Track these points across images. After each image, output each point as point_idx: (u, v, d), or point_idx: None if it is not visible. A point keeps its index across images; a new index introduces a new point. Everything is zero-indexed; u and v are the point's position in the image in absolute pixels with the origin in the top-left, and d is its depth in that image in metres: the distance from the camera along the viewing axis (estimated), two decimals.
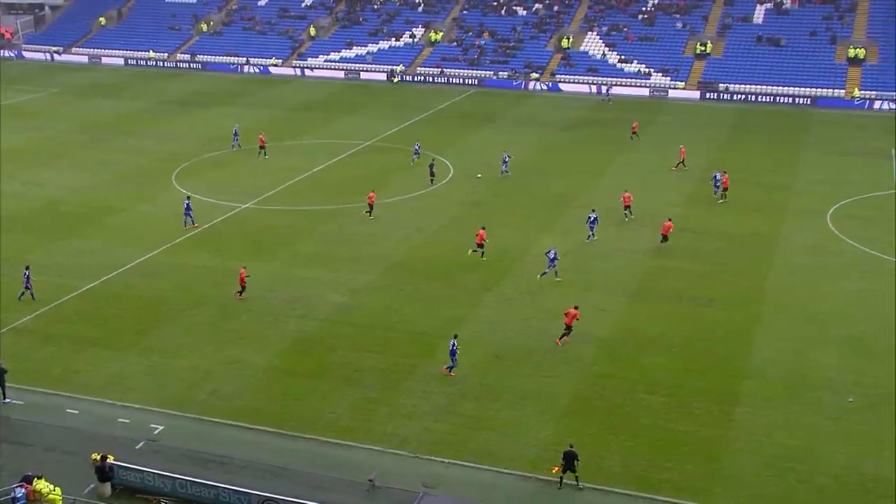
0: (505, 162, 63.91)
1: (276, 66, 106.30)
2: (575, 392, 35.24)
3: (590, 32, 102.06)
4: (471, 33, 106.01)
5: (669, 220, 51.24)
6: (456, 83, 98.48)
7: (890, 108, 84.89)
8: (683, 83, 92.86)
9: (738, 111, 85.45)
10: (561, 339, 39.00)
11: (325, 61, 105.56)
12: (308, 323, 41.13)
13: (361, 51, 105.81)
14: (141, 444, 31.71)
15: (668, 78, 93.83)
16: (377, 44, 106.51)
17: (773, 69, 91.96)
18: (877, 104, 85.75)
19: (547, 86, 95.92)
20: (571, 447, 29.60)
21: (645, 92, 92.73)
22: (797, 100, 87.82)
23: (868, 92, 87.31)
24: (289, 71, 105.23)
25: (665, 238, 50.25)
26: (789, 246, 50.21)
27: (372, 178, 62.58)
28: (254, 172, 64.20)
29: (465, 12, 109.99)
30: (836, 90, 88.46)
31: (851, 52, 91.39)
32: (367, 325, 40.95)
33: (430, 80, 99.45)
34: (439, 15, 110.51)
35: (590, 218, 51.26)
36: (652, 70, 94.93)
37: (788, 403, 34.29)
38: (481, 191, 60.37)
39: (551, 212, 55.96)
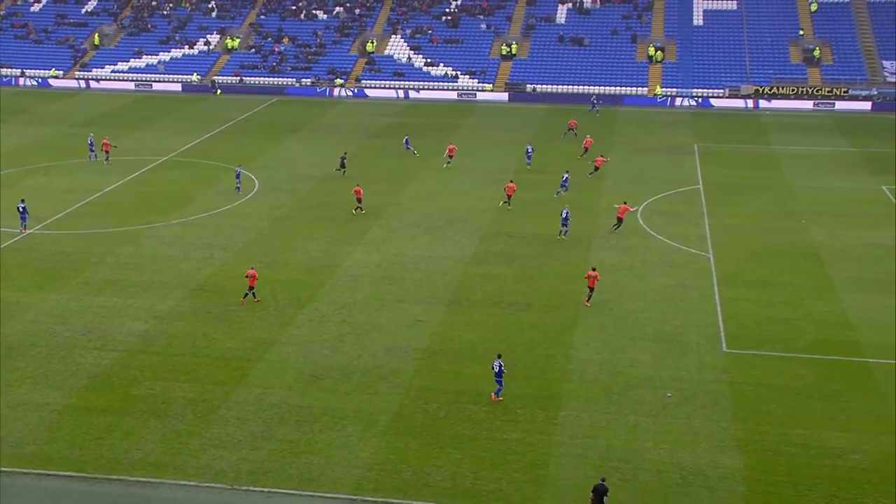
0: (529, 154, 68.12)
1: (56, 77, 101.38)
2: (396, 408, 35.45)
3: (394, 36, 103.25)
4: (270, 39, 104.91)
5: (625, 202, 54.77)
6: (257, 92, 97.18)
7: (690, 105, 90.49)
8: (491, 85, 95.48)
9: (547, 112, 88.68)
10: (588, 300, 44.11)
11: (113, 72, 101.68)
12: (107, 355, 39.42)
13: (152, 60, 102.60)
14: None
15: (476, 80, 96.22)
16: (169, 52, 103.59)
17: (578, 69, 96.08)
18: (678, 101, 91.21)
19: (352, 92, 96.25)
20: (603, 481, 29.37)
21: (453, 95, 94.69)
22: (602, 98, 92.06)
23: (669, 89, 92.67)
24: (71, 83, 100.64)
25: (620, 221, 54.08)
26: (602, 245, 52.49)
27: (171, 195, 60.84)
28: (40, 195, 60.85)
29: (262, 17, 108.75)
30: (639, 88, 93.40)
31: (651, 51, 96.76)
32: (173, 353, 39.69)
33: (233, 89, 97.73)
34: (235, 21, 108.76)
35: (563, 213, 53.44)
36: (459, 73, 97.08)
37: (609, 403, 35.82)
38: (288, 204, 59.82)
39: (362, 222, 56.15)
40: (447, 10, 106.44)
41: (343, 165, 66.06)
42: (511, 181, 59.84)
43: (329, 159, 69.84)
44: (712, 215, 57.02)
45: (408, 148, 72.01)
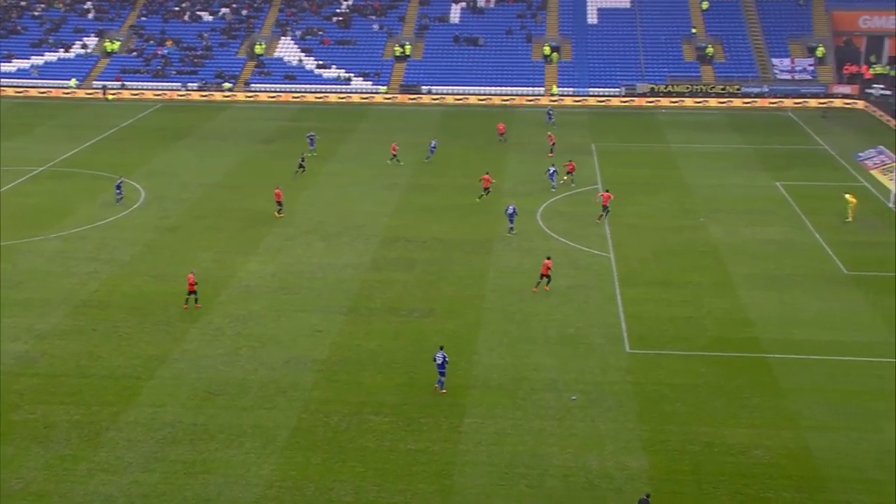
0: (432, 149, 70.73)
1: None
2: (296, 422, 35.13)
3: (283, 37, 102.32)
4: (152, 42, 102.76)
5: (607, 190, 57.11)
6: (141, 97, 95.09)
7: (587, 105, 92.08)
8: (385, 87, 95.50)
9: (444, 114, 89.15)
10: (537, 286, 46.54)
11: None
12: None
13: (24, 64, 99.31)
14: None
15: (370, 82, 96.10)
16: (42, 56, 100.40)
17: (474, 69, 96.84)
18: (574, 101, 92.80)
19: (242, 96, 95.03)
20: (648, 497, 29.44)
21: (348, 98, 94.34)
22: (500, 99, 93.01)
23: (565, 88, 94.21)
24: None
25: (606, 210, 56.46)
26: (503, 248, 53.02)
27: (50, 208, 59.04)
28: None
29: (143, 19, 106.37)
30: (535, 88, 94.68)
31: (546, 50, 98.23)
32: (55, 374, 38.51)
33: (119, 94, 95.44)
34: (114, 22, 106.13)
35: (507, 210, 54.95)
36: (352, 75, 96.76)
37: (514, 409, 36.19)
38: (177, 214, 58.69)
39: (255, 231, 55.48)
40: (338, 10, 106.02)
41: (301, 166, 66.72)
42: (487, 173, 62.09)
43: (220, 166, 68.87)
44: (612, 215, 58.14)
45: (311, 147, 72.43)
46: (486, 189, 61.27)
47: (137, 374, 38.56)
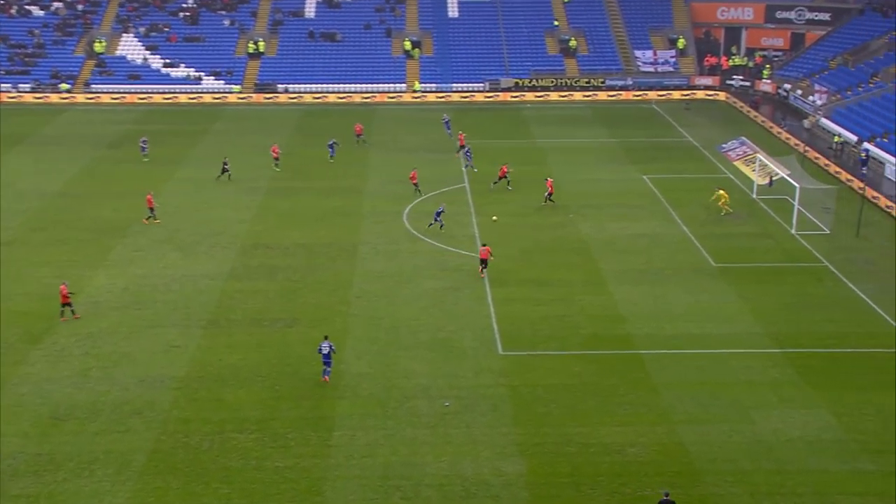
0: (332, 147, 70.52)
1: None
2: (153, 445, 34.28)
3: (125, 34, 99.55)
4: None
5: (549, 179, 60.34)
6: None
7: (451, 101, 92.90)
8: (239, 86, 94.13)
9: (302, 113, 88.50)
10: (482, 271, 49.00)
11: None
12: None
13: None
14: None
15: (222, 81, 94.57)
16: None
17: (332, 66, 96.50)
18: (438, 97, 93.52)
19: (82, 97, 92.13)
20: (667, 496, 29.84)
21: (199, 99, 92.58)
22: (361, 96, 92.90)
23: (428, 84, 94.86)
24: None
25: (550, 196, 59.46)
26: (369, 252, 52.98)
27: None
28: None
29: None
30: (397, 85, 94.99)
31: (407, 45, 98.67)
32: None
33: None
34: None
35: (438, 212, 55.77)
36: (203, 74, 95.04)
37: (386, 418, 36.22)
38: (13, 227, 56.44)
39: (103, 243, 53.87)
40: (184, 5, 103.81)
41: (224, 171, 65.28)
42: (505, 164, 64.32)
43: (59, 173, 66.65)
44: (480, 214, 58.88)
45: (143, 152, 70.38)
46: (503, 177, 63.75)
47: None
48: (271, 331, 43.45)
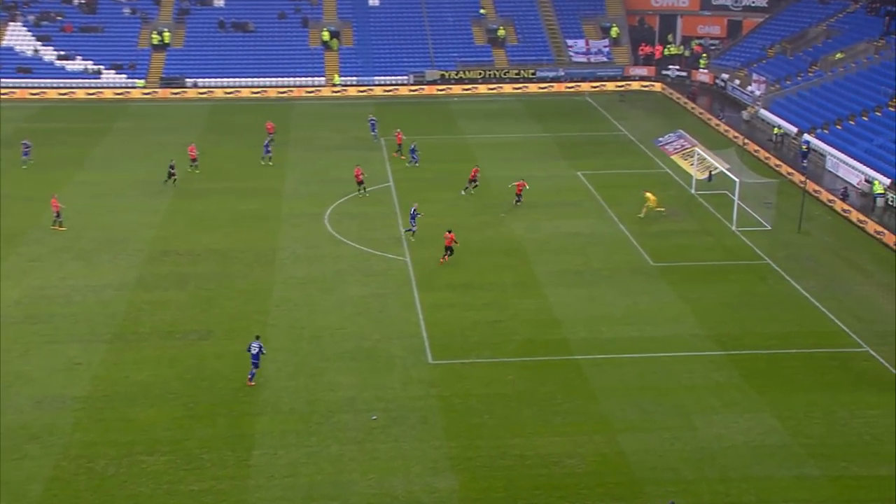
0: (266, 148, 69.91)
1: None
2: (53, 472, 33.60)
3: (13, 23, 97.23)
4: None
5: (521, 180, 60.83)
6: None
7: (373, 95, 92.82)
8: (143, 81, 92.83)
9: (213, 109, 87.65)
10: (443, 258, 51.04)
11: None
12: None
13: None
14: None
15: (124, 76, 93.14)
16: None
17: (245, 58, 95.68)
18: (359, 91, 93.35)
19: None
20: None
21: (100, 94, 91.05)
22: (277, 91, 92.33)
23: (349, 78, 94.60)
24: None
25: (519, 198, 60.01)
26: (288, 258, 52.67)
27: None
28: None
29: None
30: (315, 78, 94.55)
31: (325, 36, 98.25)
32: None
33: None
34: None
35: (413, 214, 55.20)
36: (102, 67, 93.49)
37: (309, 435, 36.02)
38: None
39: None
40: None
41: (171, 175, 63.80)
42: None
43: None
44: (408, 215, 58.85)
45: (25, 157, 68.64)
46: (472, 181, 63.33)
47: None
48: (183, 344, 42.93)
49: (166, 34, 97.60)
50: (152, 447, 35.09)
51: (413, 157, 69.27)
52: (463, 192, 62.56)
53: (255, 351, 39.19)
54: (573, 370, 40.93)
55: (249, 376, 39.23)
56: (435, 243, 53.95)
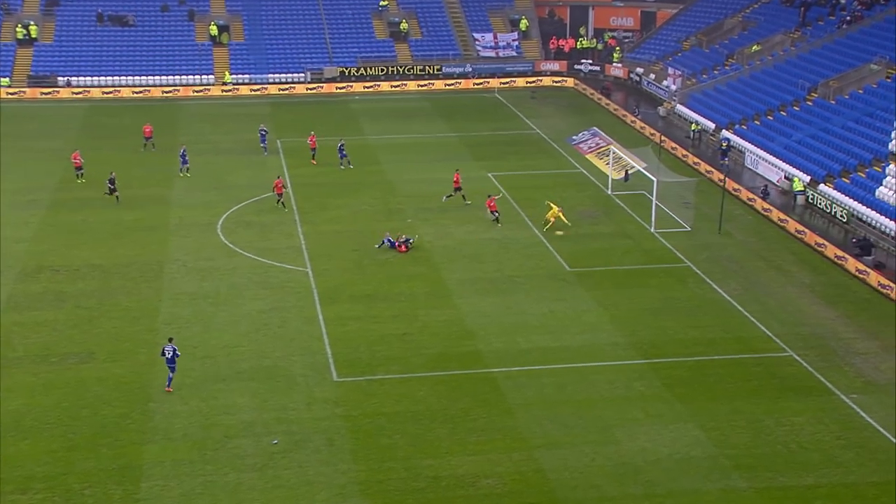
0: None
1: None
2: None
3: None
4: None
5: (491, 195, 60.00)
6: None
7: (268, 94, 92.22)
8: (8, 79, 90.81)
9: (90, 110, 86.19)
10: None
11: None
12: None
13: None
14: None
15: None
16: None
17: (125, 55, 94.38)
18: (252, 90, 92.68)
19: None
20: None
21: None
22: (161, 90, 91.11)
23: (241, 75, 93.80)
24: None
25: (494, 214, 58.99)
26: (178, 271, 51.99)
27: None
28: None
29: None
30: (204, 76, 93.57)
31: (213, 30, 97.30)
32: None
33: None
34: None
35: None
36: None
37: (204, 463, 35.53)
38: None
39: None
40: None
41: (112, 192, 61.98)
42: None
43: None
44: (307, 222, 58.59)
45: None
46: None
47: None
48: (61, 368, 42.04)
49: (33, 28, 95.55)
50: (26, 484, 34.15)
51: (342, 155, 69.52)
52: (444, 199, 62.17)
53: (169, 355, 39.53)
54: (488, 384, 41.10)
55: (167, 382, 39.75)
56: (340, 253, 53.86)
